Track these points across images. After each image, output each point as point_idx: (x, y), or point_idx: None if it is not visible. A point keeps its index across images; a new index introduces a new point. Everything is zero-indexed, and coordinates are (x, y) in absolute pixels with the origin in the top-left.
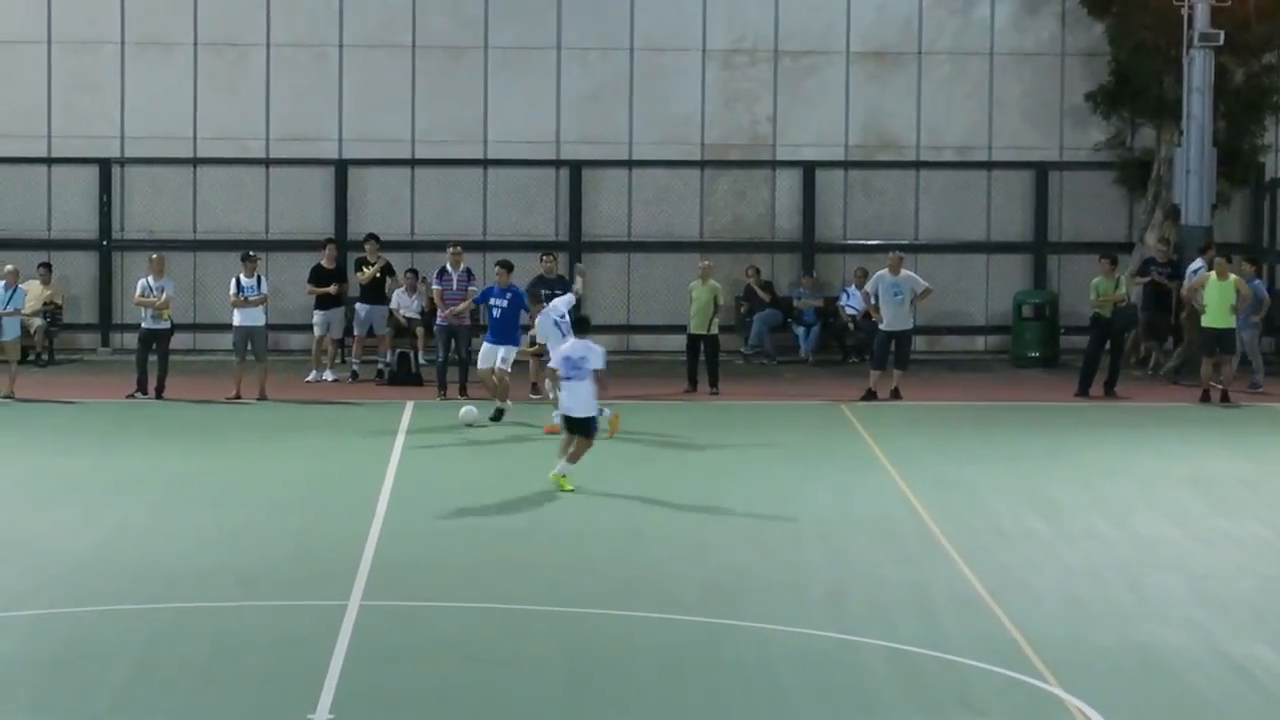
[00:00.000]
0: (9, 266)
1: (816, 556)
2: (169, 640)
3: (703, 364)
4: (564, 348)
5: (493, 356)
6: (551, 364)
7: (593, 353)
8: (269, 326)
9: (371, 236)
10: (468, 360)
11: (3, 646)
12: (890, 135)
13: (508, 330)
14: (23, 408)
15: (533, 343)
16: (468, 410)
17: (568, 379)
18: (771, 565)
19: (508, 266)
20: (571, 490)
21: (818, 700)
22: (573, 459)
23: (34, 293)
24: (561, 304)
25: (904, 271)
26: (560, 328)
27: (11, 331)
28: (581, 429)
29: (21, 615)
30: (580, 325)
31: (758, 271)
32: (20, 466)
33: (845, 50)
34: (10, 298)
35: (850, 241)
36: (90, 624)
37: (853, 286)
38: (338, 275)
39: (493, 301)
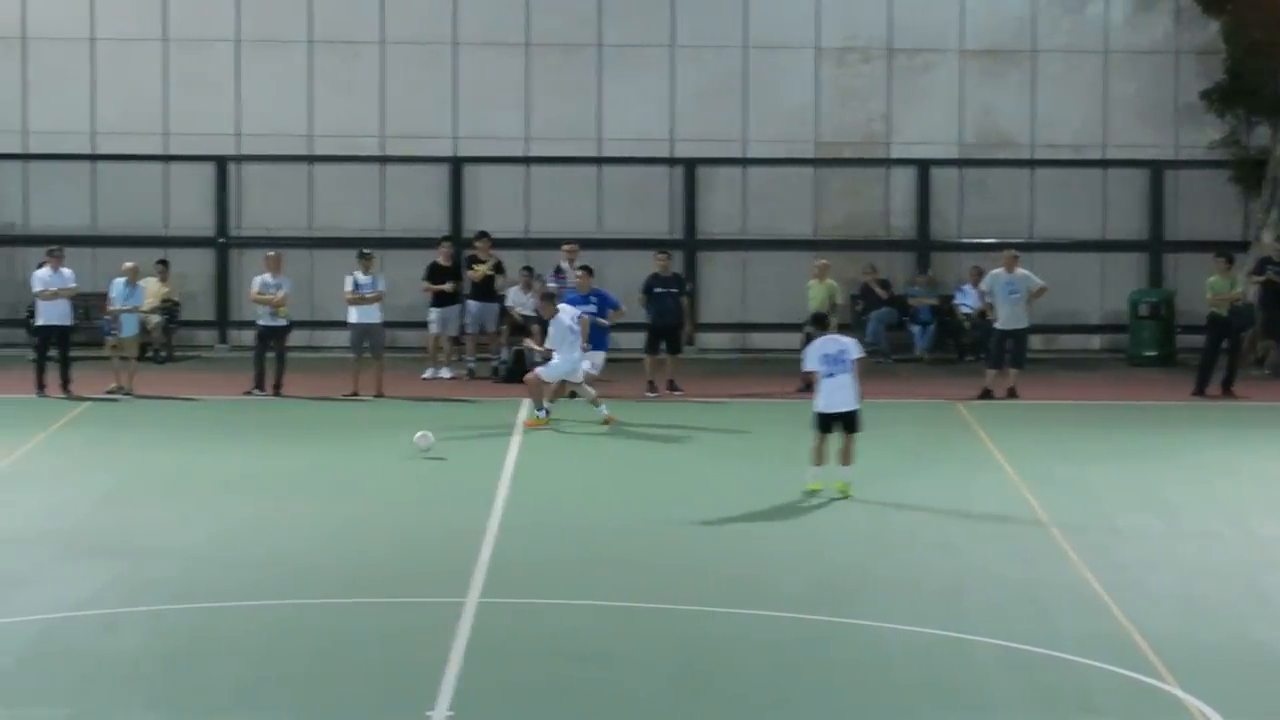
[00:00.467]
0: (128, 264)
1: (932, 554)
2: (287, 636)
3: None
4: (818, 345)
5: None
6: (808, 366)
7: (851, 345)
8: (385, 324)
9: (482, 234)
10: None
11: (122, 642)
12: (1004, 133)
13: (593, 335)
14: (141, 404)
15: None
16: (423, 435)
17: (830, 375)
18: (886, 563)
19: (589, 271)
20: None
21: (931, 698)
22: (847, 459)
23: (152, 290)
24: (573, 314)
25: (1019, 270)
26: (574, 333)
27: (130, 328)
28: (848, 424)
29: (141, 611)
30: (820, 322)
31: (875, 270)
32: (139, 462)
33: (959, 48)
34: (129, 295)
35: (965, 240)
36: (209, 620)
37: (968, 285)
38: (454, 273)
39: (580, 309)
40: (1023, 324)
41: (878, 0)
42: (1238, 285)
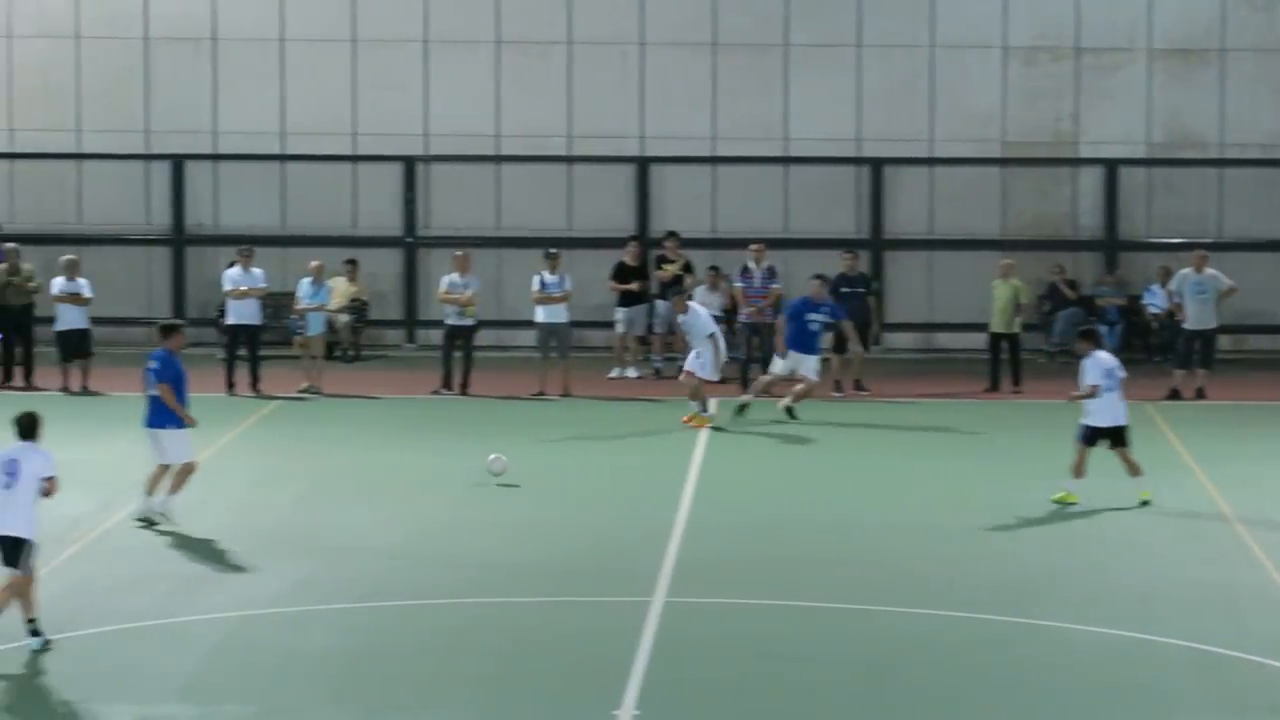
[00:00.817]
0: (314, 263)
1: (1120, 555)
2: (474, 634)
3: (1005, 362)
4: (1102, 359)
5: (795, 364)
6: (1090, 381)
7: (1118, 363)
8: (572, 323)
9: (672, 234)
10: (767, 358)
11: (311, 640)
12: (1193, 133)
13: (803, 339)
14: (329, 403)
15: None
16: (496, 459)
17: (1109, 390)
18: (1073, 564)
19: (825, 279)
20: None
21: (1119, 699)
22: (1136, 470)
23: (340, 289)
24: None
25: (1208, 270)
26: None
27: (316, 327)
28: (1117, 438)
29: (329, 609)
30: (1089, 337)
31: (1063, 269)
32: (327, 462)
33: (1147, 47)
34: (315, 294)
35: (1153, 240)
36: (398, 618)
37: (1156, 285)
38: (641, 272)
39: (810, 317)
40: (1211, 324)
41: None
42: None
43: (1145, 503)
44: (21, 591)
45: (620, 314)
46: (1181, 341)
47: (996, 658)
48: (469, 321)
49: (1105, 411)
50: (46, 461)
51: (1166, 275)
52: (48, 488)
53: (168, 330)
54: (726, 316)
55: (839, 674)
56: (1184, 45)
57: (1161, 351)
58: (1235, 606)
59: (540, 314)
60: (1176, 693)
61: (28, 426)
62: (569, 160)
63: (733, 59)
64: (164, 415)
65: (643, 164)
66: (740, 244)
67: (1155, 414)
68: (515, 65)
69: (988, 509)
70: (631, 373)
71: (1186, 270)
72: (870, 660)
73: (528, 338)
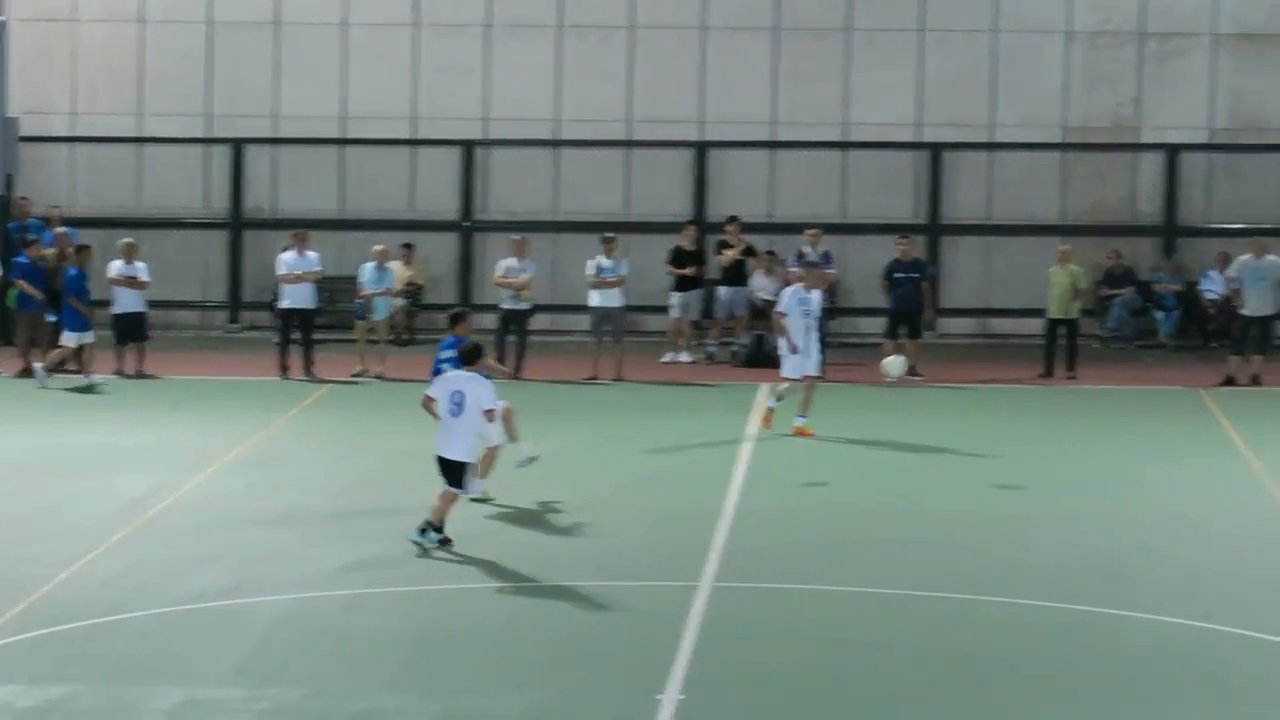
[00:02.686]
0: (378, 246)
1: (1174, 543)
2: (526, 619)
3: (1062, 348)
4: None
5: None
6: None
7: None
8: (627, 308)
9: (733, 219)
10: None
11: (364, 622)
12: (1256, 118)
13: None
14: (382, 386)
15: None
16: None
17: None
18: (1128, 551)
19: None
20: None
21: (1176, 689)
22: None
23: (397, 273)
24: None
25: (1269, 256)
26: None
27: (382, 311)
28: None
29: (383, 593)
30: None
31: (1119, 255)
32: (381, 446)
33: (1211, 31)
34: (380, 278)
35: (1213, 225)
36: (451, 601)
37: (1214, 270)
38: (697, 257)
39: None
40: (1270, 311)
41: None
42: None
43: None
44: (447, 504)
45: (676, 298)
46: (1238, 327)
47: (1049, 644)
48: (524, 305)
49: None
50: (488, 392)
51: (1224, 261)
52: (489, 416)
53: (456, 318)
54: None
55: (888, 658)
56: (1249, 30)
57: (1218, 337)
58: None
59: (595, 298)
60: (1233, 681)
61: (471, 354)
62: (628, 145)
63: (794, 44)
64: None
65: (701, 148)
66: (797, 229)
67: (1210, 400)
68: (577, 50)
69: (1038, 495)
70: (684, 357)
71: (1246, 256)
72: (921, 644)
73: (583, 322)
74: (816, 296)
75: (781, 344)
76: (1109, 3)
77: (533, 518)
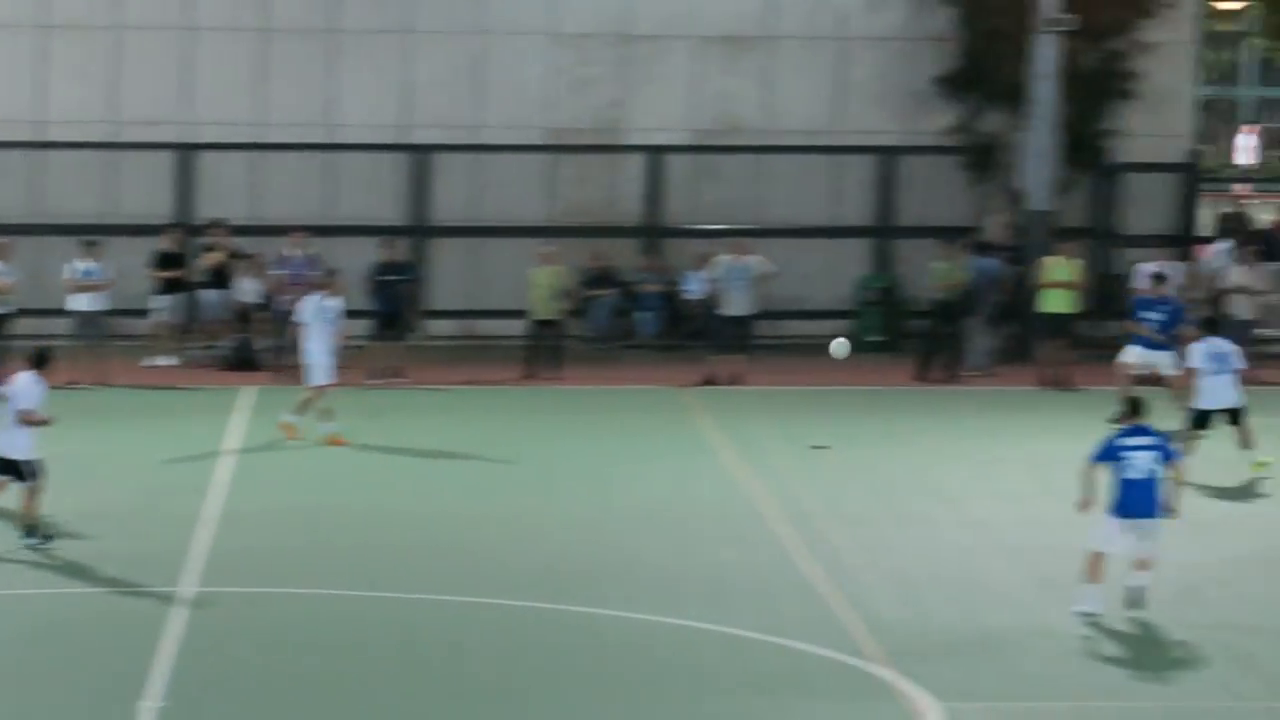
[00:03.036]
0: None
1: (649, 541)
2: None
3: (546, 348)
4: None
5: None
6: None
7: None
8: (111, 311)
9: (218, 221)
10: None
11: None
12: (737, 119)
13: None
14: None
15: None
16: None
17: (1218, 374)
18: (602, 549)
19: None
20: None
21: (651, 684)
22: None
23: None
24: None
25: (748, 257)
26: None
27: None
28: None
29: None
30: (1209, 325)
31: (600, 256)
32: None
33: (691, 34)
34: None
35: (695, 226)
36: None
37: (695, 271)
38: (181, 260)
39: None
40: (749, 310)
41: None
42: (960, 271)
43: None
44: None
45: (159, 301)
46: (719, 327)
47: (524, 643)
48: (6, 309)
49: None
50: None
51: (705, 262)
52: None
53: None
54: (266, 303)
55: (363, 660)
56: (728, 32)
57: (699, 337)
58: (765, 591)
59: (78, 301)
60: (707, 675)
61: None
62: (111, 147)
63: (281, 45)
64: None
65: (186, 150)
66: (284, 231)
67: (690, 399)
68: (60, 50)
69: (517, 495)
70: (169, 360)
71: (727, 257)
72: (393, 646)
73: (66, 326)
74: (336, 304)
75: (311, 352)
76: (592, 5)
77: None
